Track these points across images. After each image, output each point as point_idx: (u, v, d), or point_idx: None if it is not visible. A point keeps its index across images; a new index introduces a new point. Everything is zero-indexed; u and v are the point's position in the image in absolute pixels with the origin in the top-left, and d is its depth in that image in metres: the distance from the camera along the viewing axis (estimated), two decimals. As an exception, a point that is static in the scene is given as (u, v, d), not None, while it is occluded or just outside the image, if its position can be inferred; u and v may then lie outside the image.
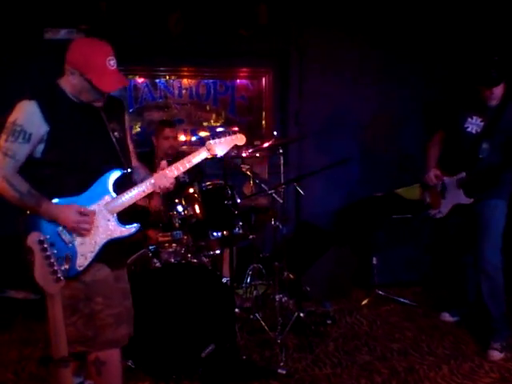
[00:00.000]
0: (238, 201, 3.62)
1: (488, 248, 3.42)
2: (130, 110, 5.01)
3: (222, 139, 2.57)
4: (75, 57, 2.19)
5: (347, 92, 5.25)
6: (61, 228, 2.21)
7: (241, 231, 3.60)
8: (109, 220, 2.29)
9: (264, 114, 5.40)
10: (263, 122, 5.41)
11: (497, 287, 3.45)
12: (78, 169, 2.23)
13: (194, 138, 5.30)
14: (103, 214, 2.28)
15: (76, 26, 4.56)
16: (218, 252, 3.78)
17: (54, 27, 4.63)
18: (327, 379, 3.17)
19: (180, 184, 3.85)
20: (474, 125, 3.44)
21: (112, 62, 2.20)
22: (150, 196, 3.52)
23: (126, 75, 2.38)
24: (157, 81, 5.14)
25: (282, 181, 3.83)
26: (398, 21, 5.18)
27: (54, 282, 1.92)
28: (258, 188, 3.96)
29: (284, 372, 3.20)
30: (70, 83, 2.22)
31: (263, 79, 5.34)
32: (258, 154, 4.02)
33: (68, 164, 2.21)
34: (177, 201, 3.49)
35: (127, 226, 2.33)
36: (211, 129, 5.30)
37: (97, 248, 2.26)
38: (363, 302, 4.40)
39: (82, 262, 2.22)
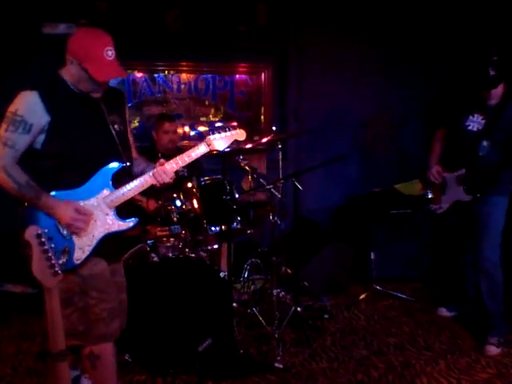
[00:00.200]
0: (237, 196, 3.62)
1: (487, 245, 3.43)
2: (129, 105, 5.00)
3: (222, 134, 2.53)
4: (74, 46, 2.19)
5: (346, 91, 5.25)
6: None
7: (239, 226, 3.61)
8: (107, 214, 2.29)
9: (263, 109, 5.40)
10: (262, 118, 5.41)
11: (496, 285, 3.46)
12: (77, 162, 2.22)
13: (192, 133, 5.29)
14: (102, 208, 2.27)
15: (75, 20, 4.55)
16: (215, 247, 3.78)
17: (52, 22, 4.62)
18: (324, 374, 3.18)
19: (179, 178, 3.86)
20: (475, 123, 3.45)
21: (110, 53, 2.19)
22: (147, 195, 3.54)
23: (125, 70, 2.38)
24: (156, 76, 5.13)
25: (281, 176, 3.84)
26: (398, 21, 5.19)
27: (52, 276, 1.92)
28: (257, 183, 3.96)
29: (281, 366, 3.21)
30: (69, 72, 2.22)
31: (262, 74, 5.33)
32: (260, 147, 4.01)
33: (68, 156, 2.20)
34: (175, 195, 3.49)
35: (126, 220, 2.33)
36: (210, 124, 5.29)
37: (94, 242, 2.26)
38: (361, 297, 4.42)
39: (79, 255, 2.23)
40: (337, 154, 3.88)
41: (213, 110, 5.32)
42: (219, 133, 2.53)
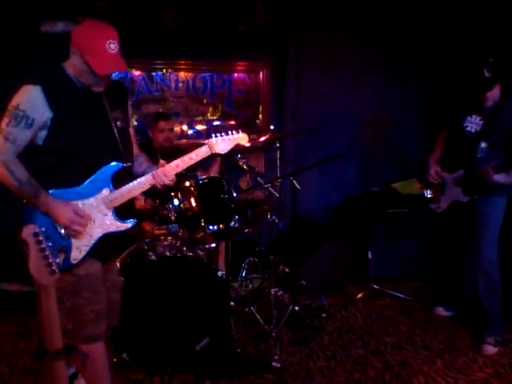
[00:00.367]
0: (234, 194, 3.62)
1: (485, 245, 3.44)
2: (128, 103, 4.99)
3: (225, 137, 2.48)
4: (78, 37, 2.17)
5: (345, 90, 5.25)
6: None
7: (237, 225, 3.60)
8: (106, 214, 2.26)
9: (261, 108, 5.39)
10: (260, 116, 5.41)
11: (493, 284, 3.46)
12: (78, 159, 2.20)
13: (190, 131, 5.29)
14: (100, 208, 2.25)
15: (73, 18, 4.52)
16: (213, 245, 3.78)
17: (50, 20, 4.60)
18: (321, 373, 3.18)
19: (176, 174, 3.85)
20: (473, 124, 3.45)
21: (113, 46, 2.16)
22: (145, 195, 3.52)
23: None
24: (154, 74, 5.12)
25: (279, 175, 3.84)
26: (398, 21, 5.18)
27: (49, 275, 1.92)
28: (255, 182, 3.96)
29: (278, 365, 3.22)
30: (71, 65, 2.19)
31: (260, 73, 5.33)
32: (258, 146, 4.01)
33: (69, 153, 2.17)
34: (173, 194, 3.48)
35: (124, 221, 2.30)
36: (208, 122, 5.29)
37: (92, 242, 2.24)
38: (358, 296, 4.42)
39: (76, 255, 2.21)
40: (334, 152, 3.88)
41: (211, 109, 5.31)
42: (221, 135, 2.48)
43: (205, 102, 5.28)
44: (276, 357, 3.32)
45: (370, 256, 4.57)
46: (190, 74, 5.22)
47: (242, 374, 3.12)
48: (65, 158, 2.17)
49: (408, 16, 5.17)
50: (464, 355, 3.40)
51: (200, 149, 2.44)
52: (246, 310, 3.80)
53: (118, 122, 2.33)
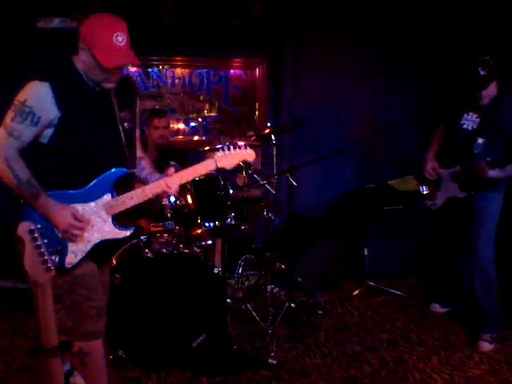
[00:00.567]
0: (231, 191, 3.61)
1: (482, 241, 3.44)
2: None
3: (232, 152, 2.45)
4: (85, 31, 2.10)
5: (342, 87, 5.25)
6: None
7: (233, 222, 3.59)
8: (105, 220, 2.22)
9: (257, 104, 5.38)
10: (256, 113, 5.40)
11: (489, 281, 3.47)
12: (83, 161, 2.15)
13: (186, 128, 5.27)
14: (100, 214, 2.20)
15: (69, 14, 4.51)
16: (209, 242, 3.78)
17: (46, 16, 4.58)
18: (317, 369, 3.19)
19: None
20: (469, 121, 3.46)
21: (120, 38, 2.08)
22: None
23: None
24: (150, 70, 5.10)
25: (275, 172, 3.83)
26: (398, 20, 5.18)
27: (45, 272, 1.91)
28: (251, 179, 3.96)
29: (275, 362, 3.22)
30: (80, 60, 2.14)
31: (257, 70, 5.31)
32: (254, 143, 4.00)
33: (74, 154, 2.12)
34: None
35: (123, 229, 2.26)
36: (204, 118, 5.28)
37: (88, 247, 2.20)
38: (354, 293, 4.43)
39: (71, 259, 2.17)
40: (330, 149, 3.88)
41: (207, 105, 5.30)
42: (228, 150, 2.45)
43: (201, 98, 5.27)
44: (272, 353, 3.32)
45: (366, 253, 4.58)
46: (187, 71, 5.20)
47: (238, 371, 3.12)
48: (69, 159, 2.13)
49: (408, 16, 5.17)
50: (460, 352, 3.41)
51: (206, 162, 2.42)
52: (243, 306, 3.80)
53: (126, 123, 2.28)
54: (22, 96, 2.05)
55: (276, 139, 3.83)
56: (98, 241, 2.21)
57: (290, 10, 5.04)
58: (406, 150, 5.19)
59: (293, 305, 3.83)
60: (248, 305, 3.79)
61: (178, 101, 5.22)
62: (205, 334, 3.21)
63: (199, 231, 3.54)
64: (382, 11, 5.16)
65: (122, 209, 2.24)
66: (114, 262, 3.21)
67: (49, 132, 2.09)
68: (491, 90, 3.35)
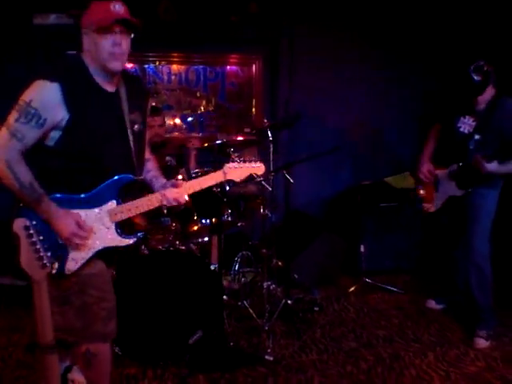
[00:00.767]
0: (227, 188, 3.61)
1: (477, 238, 3.45)
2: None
3: (242, 164, 2.45)
4: (85, 17, 2.06)
5: (339, 84, 5.24)
6: None
7: (229, 218, 3.60)
8: (108, 228, 2.15)
9: (254, 101, 5.38)
10: (253, 109, 5.39)
11: (485, 278, 3.47)
12: (89, 165, 2.08)
13: (183, 125, 5.27)
14: (104, 221, 2.14)
15: (66, 10, 4.50)
16: (206, 239, 3.78)
17: (43, 12, 4.57)
18: (314, 365, 3.19)
19: (167, 167, 3.84)
20: (466, 124, 3.47)
21: (118, 7, 2.03)
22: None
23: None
24: (146, 66, 5.10)
25: (272, 169, 3.83)
26: (396, 18, 5.17)
27: (40, 269, 1.91)
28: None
29: (271, 358, 3.23)
30: (85, 50, 2.07)
31: (253, 66, 5.31)
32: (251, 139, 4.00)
33: (81, 158, 2.05)
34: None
35: (126, 237, 2.20)
36: (201, 115, 5.28)
37: (90, 254, 2.13)
38: (350, 290, 4.44)
39: (71, 266, 2.09)
40: (327, 146, 3.88)
41: (204, 102, 5.30)
42: (239, 163, 2.45)
43: (198, 94, 5.26)
44: (269, 350, 3.32)
45: (362, 249, 4.59)
46: (183, 67, 5.20)
47: (234, 368, 3.12)
48: (75, 163, 2.05)
49: (408, 16, 5.16)
50: (455, 348, 3.42)
51: (215, 173, 2.41)
52: (239, 303, 3.81)
53: (136, 126, 2.22)
54: (27, 96, 1.97)
55: (273, 136, 3.83)
56: (100, 248, 2.15)
57: (286, 7, 5.03)
58: (404, 148, 5.19)
59: (289, 301, 3.83)
60: (244, 301, 3.79)
61: (174, 97, 5.21)
62: (201, 330, 3.21)
63: (196, 228, 3.55)
64: (379, 7, 5.15)
65: (127, 217, 2.18)
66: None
67: (56, 134, 2.01)
68: (487, 95, 3.36)
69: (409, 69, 5.28)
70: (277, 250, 4.06)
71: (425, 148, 3.79)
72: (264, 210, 3.89)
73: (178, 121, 5.24)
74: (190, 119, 5.26)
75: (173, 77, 5.18)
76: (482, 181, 3.36)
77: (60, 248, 2.07)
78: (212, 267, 3.51)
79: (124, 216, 2.17)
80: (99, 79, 2.11)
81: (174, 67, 5.18)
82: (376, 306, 4.17)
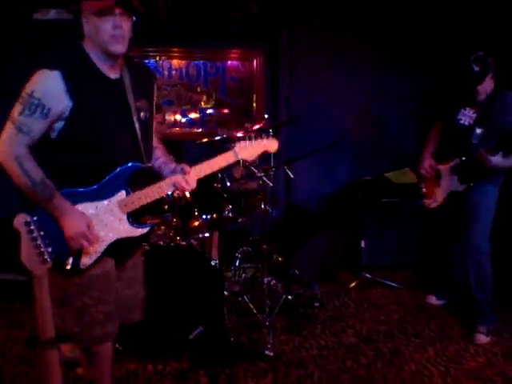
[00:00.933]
0: (228, 184, 3.61)
1: (477, 234, 3.45)
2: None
3: (253, 142, 2.33)
4: (85, 2, 1.99)
5: (339, 80, 5.23)
6: None
7: (230, 214, 3.60)
8: (120, 219, 2.09)
9: (255, 96, 5.37)
10: (254, 105, 5.38)
11: (484, 274, 3.47)
12: (95, 156, 2.01)
13: (183, 120, 5.26)
14: (114, 212, 2.08)
15: (66, 6, 4.49)
16: (207, 235, 3.78)
17: (43, 7, 4.55)
18: (314, 361, 3.20)
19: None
20: (466, 116, 3.46)
21: None
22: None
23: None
24: (146, 61, 5.08)
25: (272, 164, 3.83)
26: (395, 16, 5.15)
27: (41, 264, 1.92)
28: (248, 171, 3.95)
29: (271, 354, 3.23)
30: (87, 37, 2.01)
31: (254, 61, 5.30)
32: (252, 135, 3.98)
33: (86, 149, 1.99)
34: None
35: (139, 226, 2.15)
36: (201, 110, 5.27)
37: (103, 247, 2.08)
38: (351, 285, 4.44)
39: (86, 261, 2.05)
40: (328, 141, 3.88)
41: (205, 97, 5.29)
42: (250, 140, 2.33)
43: (198, 90, 5.25)
44: (269, 345, 3.33)
45: (362, 245, 4.59)
46: (184, 62, 5.19)
47: (235, 363, 3.13)
48: (80, 154, 2.00)
49: (407, 14, 5.14)
50: (456, 344, 3.42)
51: (225, 154, 2.29)
52: (240, 299, 3.81)
53: (142, 113, 2.15)
54: (28, 88, 1.92)
55: (273, 132, 3.82)
56: (113, 240, 2.09)
57: (286, 7, 5.01)
58: (404, 143, 5.19)
59: (290, 297, 3.84)
60: (245, 297, 3.80)
61: (174, 92, 5.20)
62: (202, 326, 3.22)
63: (196, 224, 3.54)
64: (378, 8, 5.13)
65: (138, 206, 2.12)
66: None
67: (59, 125, 1.96)
68: (487, 85, 3.34)
69: (409, 69, 5.26)
70: (277, 246, 4.06)
71: (426, 146, 3.78)
72: (265, 206, 3.89)
73: (178, 116, 5.23)
74: (192, 116, 5.25)
75: (173, 72, 5.17)
76: (485, 175, 3.35)
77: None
78: (212, 263, 3.50)
79: (135, 206, 2.11)
80: (101, 65, 2.04)
81: (175, 62, 5.16)
82: (376, 301, 4.17)
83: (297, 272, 4.25)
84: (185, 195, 3.49)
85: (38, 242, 1.91)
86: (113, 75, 2.08)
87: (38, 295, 1.93)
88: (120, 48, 2.00)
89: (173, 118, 5.19)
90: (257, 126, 3.81)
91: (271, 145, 2.41)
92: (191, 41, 5.03)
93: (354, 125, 5.33)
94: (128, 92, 2.10)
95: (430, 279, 4.49)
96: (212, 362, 3.11)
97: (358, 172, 5.22)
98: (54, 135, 1.98)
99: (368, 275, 4.51)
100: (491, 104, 3.33)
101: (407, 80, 5.28)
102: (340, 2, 5.11)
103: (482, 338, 3.44)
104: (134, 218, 2.14)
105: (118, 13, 1.97)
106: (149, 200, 2.14)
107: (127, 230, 2.12)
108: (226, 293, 3.71)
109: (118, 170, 2.06)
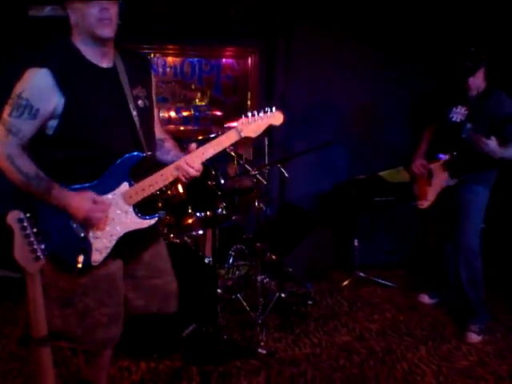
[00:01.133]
0: (222, 181, 3.60)
1: (468, 233, 3.47)
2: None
3: (256, 117, 2.25)
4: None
5: (334, 78, 5.21)
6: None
7: (224, 212, 3.59)
8: (126, 212, 2.05)
9: (249, 94, 5.36)
10: (248, 103, 5.37)
11: (475, 272, 3.49)
12: (93, 150, 1.97)
13: (178, 117, 5.25)
14: (119, 205, 2.04)
15: (61, 2, 4.46)
16: (200, 232, 3.77)
17: (38, 4, 4.52)
18: (307, 359, 3.21)
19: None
20: (458, 114, 3.49)
21: None
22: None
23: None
24: (141, 58, 5.06)
25: (267, 162, 3.83)
26: (398, 21, 5.15)
27: (34, 261, 1.90)
28: (243, 169, 3.95)
29: (264, 351, 3.24)
30: (74, 26, 1.96)
31: (249, 59, 5.28)
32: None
33: (83, 144, 1.95)
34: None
35: (146, 217, 2.10)
36: (196, 108, 5.26)
37: (113, 242, 2.04)
38: (344, 284, 4.45)
39: (97, 257, 2.03)
40: (323, 140, 3.88)
41: (199, 94, 5.28)
42: (253, 116, 2.24)
43: (193, 87, 5.24)
44: (262, 343, 3.34)
45: (356, 243, 4.60)
46: (178, 59, 5.16)
47: (228, 361, 3.14)
48: (78, 148, 1.96)
49: (407, 14, 5.13)
50: (448, 342, 3.44)
51: (228, 133, 2.19)
52: (233, 296, 3.81)
53: (140, 101, 2.08)
54: (18, 88, 1.90)
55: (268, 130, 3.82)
56: (122, 234, 2.06)
57: (283, 5, 4.99)
58: (400, 143, 5.19)
59: (283, 295, 3.84)
60: (238, 295, 3.80)
61: (169, 90, 5.18)
62: (195, 323, 3.22)
63: (190, 221, 3.54)
64: (378, 8, 5.13)
65: (142, 197, 2.06)
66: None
67: (53, 123, 1.93)
68: (478, 80, 3.35)
69: (409, 69, 5.27)
70: (271, 244, 4.06)
71: (419, 146, 3.81)
72: (258, 204, 3.89)
73: (172, 113, 5.22)
74: (186, 113, 5.23)
75: (168, 69, 5.15)
76: (476, 168, 3.36)
77: (82, 241, 2.00)
78: (206, 260, 3.51)
79: (139, 197, 2.06)
80: (91, 55, 1.99)
81: (170, 59, 5.14)
82: (369, 300, 4.19)
83: (290, 270, 4.25)
84: (178, 192, 3.49)
85: (31, 239, 1.90)
86: (105, 64, 2.03)
87: (31, 293, 1.92)
88: (108, 32, 1.94)
89: (167, 115, 5.17)
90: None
91: (276, 118, 2.32)
92: (186, 38, 5.01)
93: (351, 124, 5.33)
94: (123, 80, 2.04)
95: (422, 278, 4.51)
96: (205, 360, 3.12)
97: (353, 171, 5.23)
98: (49, 132, 1.95)
99: (361, 274, 4.52)
100: (483, 100, 3.34)
101: (408, 82, 5.28)
102: (340, 1, 5.10)
103: (474, 337, 3.46)
104: (141, 209, 2.09)
105: None
106: (153, 190, 2.08)
107: (135, 222, 2.08)
108: (219, 290, 3.71)
109: (119, 161, 2.01)
